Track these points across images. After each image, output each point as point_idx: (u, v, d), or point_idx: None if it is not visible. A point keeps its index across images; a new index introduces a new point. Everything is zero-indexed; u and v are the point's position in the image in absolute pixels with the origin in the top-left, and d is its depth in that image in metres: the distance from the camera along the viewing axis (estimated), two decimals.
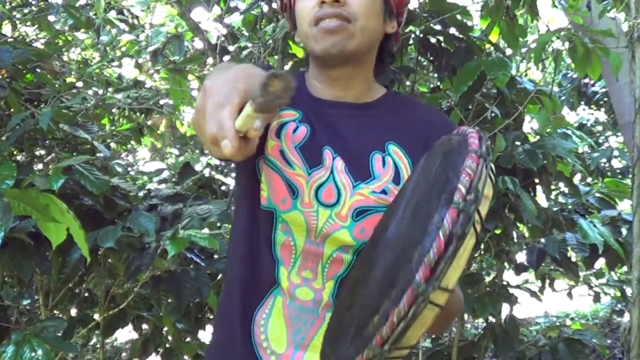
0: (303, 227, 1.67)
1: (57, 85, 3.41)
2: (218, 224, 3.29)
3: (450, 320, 1.76)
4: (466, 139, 1.18)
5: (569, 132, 3.98)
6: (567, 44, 3.40)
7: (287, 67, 3.48)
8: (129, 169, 5.14)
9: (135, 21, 5.01)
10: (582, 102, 8.35)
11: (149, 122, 5.07)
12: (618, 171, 7.59)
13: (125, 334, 5.43)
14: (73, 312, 3.66)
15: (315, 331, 1.68)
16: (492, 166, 1.14)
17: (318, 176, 1.67)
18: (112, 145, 4.43)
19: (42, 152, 3.51)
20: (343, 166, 1.68)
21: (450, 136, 1.33)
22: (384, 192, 1.67)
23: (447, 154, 1.25)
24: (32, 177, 2.45)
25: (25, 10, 4.36)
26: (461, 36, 3.44)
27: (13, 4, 4.39)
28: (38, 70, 3.45)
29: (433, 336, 4.82)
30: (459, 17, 3.44)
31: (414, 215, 1.22)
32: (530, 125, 4.68)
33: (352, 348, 1.18)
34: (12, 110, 3.20)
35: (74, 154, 3.17)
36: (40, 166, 3.58)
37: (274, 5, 3.42)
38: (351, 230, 1.65)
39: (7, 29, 4.27)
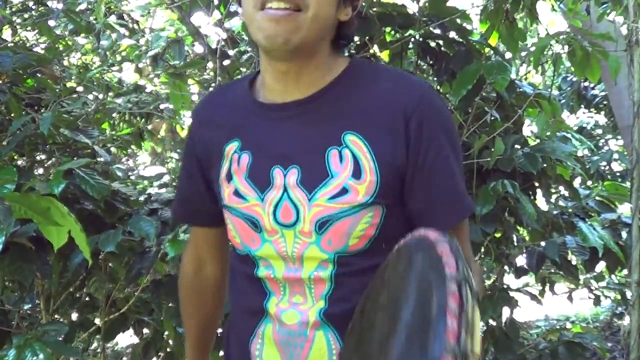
0: (278, 257, 1.62)
1: (57, 90, 3.42)
2: None
3: None
4: (439, 259, 1.09)
5: (569, 135, 3.99)
6: (566, 48, 3.41)
7: None
8: (130, 173, 5.15)
9: (135, 26, 5.02)
10: (582, 106, 8.37)
11: (150, 127, 5.08)
12: (618, 174, 7.60)
13: (126, 339, 5.43)
14: (74, 316, 3.67)
15: (307, 354, 1.62)
16: (473, 290, 1.04)
17: (271, 197, 1.59)
18: (113, 149, 4.44)
19: (43, 156, 3.52)
20: (295, 180, 1.57)
21: (419, 248, 1.24)
22: (344, 190, 1.54)
23: (421, 283, 1.15)
24: (33, 181, 2.46)
25: (26, 15, 4.38)
26: (461, 40, 3.45)
27: (13, 9, 4.40)
28: (38, 75, 3.46)
29: None
30: (458, 21, 3.45)
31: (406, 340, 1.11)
32: (530, 128, 4.69)
33: None
34: (12, 115, 3.20)
35: (75, 158, 3.18)
36: (40, 171, 3.59)
37: None
38: (319, 244, 1.57)
39: (7, 33, 4.28)
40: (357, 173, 1.55)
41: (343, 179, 1.55)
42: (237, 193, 1.64)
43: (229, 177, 1.66)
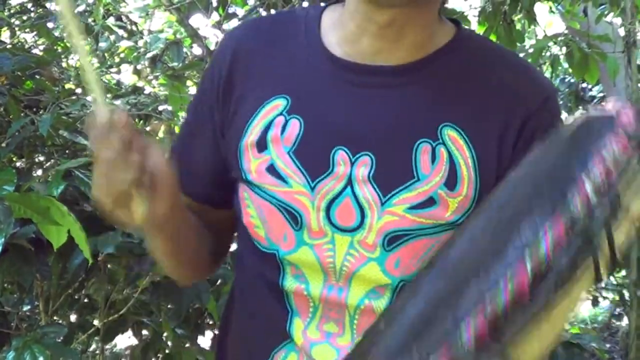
0: (317, 269, 1.22)
1: (56, 92, 3.42)
2: None
3: None
4: (614, 115, 0.76)
5: None
6: (564, 49, 3.42)
7: None
8: None
9: (134, 27, 5.03)
10: (580, 107, 8.37)
11: (148, 128, 5.08)
12: None
13: (124, 340, 5.43)
14: (72, 318, 3.67)
15: None
16: None
17: (326, 189, 1.19)
18: None
19: (42, 158, 3.53)
20: (367, 173, 1.17)
21: (588, 114, 0.87)
22: (431, 200, 1.16)
23: (575, 136, 0.81)
24: (32, 182, 2.47)
25: (24, 17, 4.38)
26: None
27: (12, 11, 4.41)
28: (37, 76, 3.47)
29: None
30: None
31: (497, 230, 0.77)
32: None
33: None
34: (11, 116, 3.21)
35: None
36: (39, 172, 3.59)
37: (272, 12, 3.45)
38: (382, 264, 1.18)
39: (5, 35, 4.28)
40: (451, 181, 1.17)
41: (432, 185, 1.17)
42: (272, 170, 1.22)
43: (262, 146, 1.23)
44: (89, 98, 4.00)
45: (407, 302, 0.90)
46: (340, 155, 1.18)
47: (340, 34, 1.25)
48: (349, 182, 1.18)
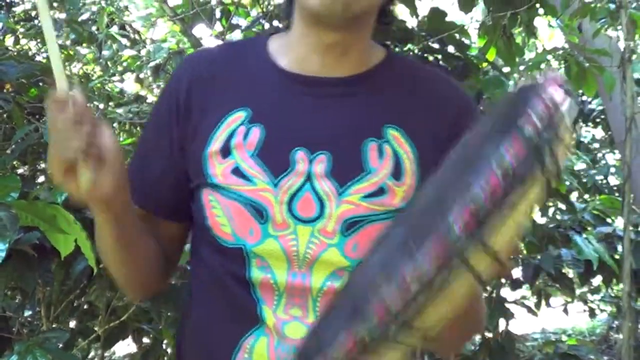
0: (282, 258, 1.33)
1: None
2: None
3: (474, 328, 1.44)
4: (542, 81, 0.87)
5: None
6: (562, 63, 3.46)
7: None
8: None
9: (137, 36, 5.06)
10: (580, 120, 8.40)
11: None
12: (615, 188, 7.63)
13: (124, 347, 5.45)
14: (72, 324, 3.69)
15: None
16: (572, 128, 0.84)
17: (288, 184, 1.33)
18: None
19: (45, 165, 3.55)
20: (324, 168, 1.33)
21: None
22: (381, 190, 1.32)
23: (517, 94, 0.93)
24: (39, 190, 2.50)
25: (28, 25, 4.41)
26: (459, 55, 3.49)
27: (16, 18, 4.43)
28: (41, 84, 3.50)
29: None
30: (457, 35, 3.49)
31: (462, 168, 0.89)
32: None
33: (342, 329, 0.86)
34: (14, 123, 3.24)
35: None
36: (41, 179, 3.62)
37: (275, 23, 3.48)
38: (342, 248, 1.32)
39: (9, 42, 4.31)
40: (397, 173, 1.34)
41: (381, 177, 1.33)
42: (237, 172, 1.35)
43: (226, 152, 1.37)
44: (90, 106, 4.05)
45: (393, 228, 1.06)
46: (300, 155, 1.34)
47: (290, 55, 1.44)
48: (308, 178, 1.33)
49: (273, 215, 1.32)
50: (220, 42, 3.94)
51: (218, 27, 3.88)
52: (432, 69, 1.64)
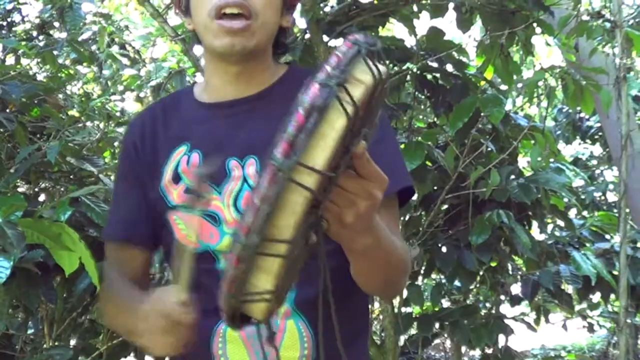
0: None
1: (63, 119, 3.48)
2: None
3: (392, 269, 1.56)
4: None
5: (563, 166, 4.06)
6: (560, 81, 3.49)
7: None
8: None
9: (137, 56, 5.09)
10: (578, 137, 8.42)
11: None
12: (613, 204, 7.64)
13: None
14: (74, 342, 3.70)
15: (279, 344, 1.56)
16: (379, 55, 1.06)
17: (230, 189, 1.60)
18: (113, 178, 4.48)
19: (48, 184, 3.58)
20: (255, 169, 1.59)
21: None
22: None
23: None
24: (44, 208, 2.52)
25: (29, 44, 4.43)
26: (457, 73, 3.53)
27: (17, 38, 4.46)
28: (44, 104, 3.52)
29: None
30: (455, 54, 3.53)
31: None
32: (525, 160, 4.76)
33: (230, 249, 1.06)
34: (17, 142, 3.27)
35: (79, 186, 3.23)
36: (42, 197, 3.64)
37: None
38: None
39: (9, 61, 4.33)
40: None
41: None
42: (188, 190, 1.54)
43: (177, 179, 1.65)
44: (89, 124, 4.07)
45: None
46: (233, 164, 1.61)
47: (208, 90, 1.73)
48: (245, 180, 1.59)
49: (224, 217, 1.60)
50: None
51: None
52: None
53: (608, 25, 3.52)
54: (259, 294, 1.10)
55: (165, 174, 1.67)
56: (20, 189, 3.54)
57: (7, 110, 3.24)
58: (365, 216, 1.21)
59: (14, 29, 4.54)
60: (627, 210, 5.89)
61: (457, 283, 3.92)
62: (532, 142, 3.63)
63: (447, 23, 3.74)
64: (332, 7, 3.44)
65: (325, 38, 3.16)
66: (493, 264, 3.88)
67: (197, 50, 3.93)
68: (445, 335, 4.53)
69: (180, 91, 1.95)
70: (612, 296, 4.23)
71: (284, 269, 1.09)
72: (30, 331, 3.45)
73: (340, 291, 1.48)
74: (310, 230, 1.17)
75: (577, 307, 5.40)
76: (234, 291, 1.09)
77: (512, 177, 3.66)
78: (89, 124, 4.01)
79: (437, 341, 4.56)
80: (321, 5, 3.35)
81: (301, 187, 1.00)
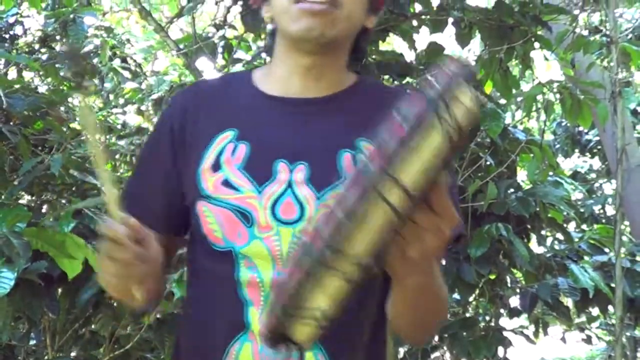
0: (267, 258, 1.46)
1: (65, 132, 3.50)
2: None
3: (433, 313, 1.49)
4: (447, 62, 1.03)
5: (561, 180, 4.08)
6: (558, 95, 3.52)
7: None
8: None
9: (138, 69, 5.11)
10: (577, 150, 8.44)
11: None
12: (612, 218, 7.64)
13: None
14: (75, 353, 3.71)
15: None
16: (476, 94, 0.99)
17: (271, 191, 1.48)
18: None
19: (50, 196, 3.60)
20: (303, 177, 1.48)
21: None
22: None
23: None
24: (48, 217, 2.56)
25: (32, 57, 4.45)
26: None
27: (19, 51, 4.48)
28: (47, 117, 3.55)
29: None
30: None
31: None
32: (525, 173, 4.79)
33: (291, 267, 1.01)
34: (20, 155, 3.29)
35: (82, 198, 3.26)
36: (45, 208, 3.66)
37: None
38: None
39: (12, 74, 4.35)
40: None
41: None
42: (227, 183, 1.50)
43: (216, 167, 1.53)
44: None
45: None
46: (281, 166, 1.50)
47: (271, 80, 1.63)
48: (290, 185, 1.48)
49: (258, 219, 1.47)
50: (221, 74, 4.01)
51: (220, 60, 3.94)
52: (396, 88, 1.93)
53: (605, 39, 3.56)
54: (312, 314, 1.03)
55: (205, 159, 1.55)
56: (21, 201, 3.56)
57: (11, 123, 3.27)
58: (429, 254, 1.15)
59: (16, 41, 4.56)
60: (626, 223, 5.94)
61: (456, 295, 3.94)
62: (531, 155, 3.66)
63: (447, 38, 3.78)
64: None
65: None
66: (492, 277, 3.90)
67: (199, 63, 3.97)
68: (445, 348, 4.54)
69: (232, 74, 1.89)
70: (611, 309, 4.25)
71: (345, 293, 1.03)
72: (32, 342, 3.47)
73: (366, 325, 1.51)
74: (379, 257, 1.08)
75: (576, 320, 5.42)
76: (287, 303, 1.01)
77: (511, 190, 3.69)
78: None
79: (436, 354, 4.57)
80: None
81: (389, 207, 0.94)
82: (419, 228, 1.09)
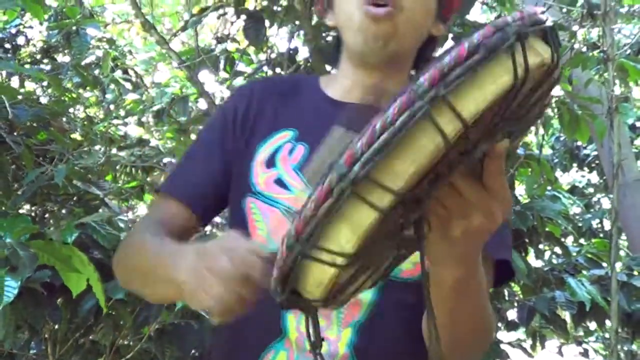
0: None
1: (68, 142, 3.53)
2: None
3: (476, 326, 1.33)
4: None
5: (559, 194, 4.11)
6: (556, 110, 3.55)
7: None
8: (130, 225, 5.22)
9: (139, 80, 5.13)
10: (575, 165, 8.46)
11: (148, 179, 5.15)
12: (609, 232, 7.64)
13: None
14: None
15: None
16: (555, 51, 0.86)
17: None
18: (114, 202, 4.52)
19: (53, 206, 3.62)
20: None
21: None
22: None
23: None
24: (50, 231, 2.58)
25: (34, 68, 4.47)
26: None
27: (21, 62, 4.50)
28: (50, 127, 3.58)
29: None
30: None
31: None
32: (523, 187, 4.82)
33: (320, 180, 0.84)
34: (24, 165, 3.32)
35: (85, 209, 3.29)
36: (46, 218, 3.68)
37: (277, 70, 3.58)
38: None
39: (14, 83, 4.37)
40: None
41: None
42: (279, 181, 1.47)
43: (271, 163, 1.50)
44: (95, 148, 4.12)
45: None
46: None
47: (336, 87, 1.61)
48: None
49: None
50: (223, 88, 4.04)
51: (222, 73, 3.98)
52: None
53: (603, 56, 3.60)
54: (332, 252, 0.86)
55: (258, 154, 1.53)
56: (21, 210, 3.58)
57: (15, 134, 3.29)
58: (474, 236, 1.02)
59: (18, 52, 4.59)
60: (624, 237, 5.96)
61: None
62: (529, 170, 3.69)
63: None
64: (334, 37, 3.50)
65: (327, 67, 3.22)
66: (490, 290, 3.92)
67: (201, 76, 4.01)
68: None
69: (299, 76, 1.89)
70: (608, 323, 4.27)
71: (375, 233, 0.86)
72: (32, 351, 3.49)
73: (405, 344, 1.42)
74: (411, 221, 0.95)
75: (573, 334, 5.44)
76: (303, 234, 0.85)
77: None
78: (91, 147, 4.05)
79: None
80: (323, 35, 3.42)
81: (437, 131, 0.80)
82: (466, 202, 0.97)
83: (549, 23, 0.85)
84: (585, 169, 8.60)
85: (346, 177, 0.79)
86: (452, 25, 3.49)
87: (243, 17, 3.52)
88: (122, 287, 2.01)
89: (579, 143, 8.07)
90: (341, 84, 1.61)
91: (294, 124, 1.55)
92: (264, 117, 1.59)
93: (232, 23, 3.85)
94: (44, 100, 4.35)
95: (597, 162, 7.97)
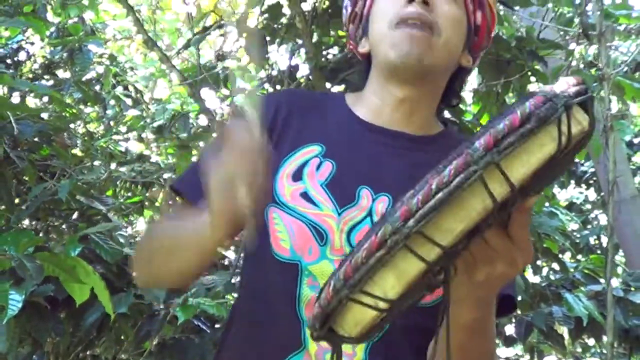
0: None
1: (69, 158, 3.57)
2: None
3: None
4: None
5: (556, 210, 4.14)
6: None
7: None
8: (131, 240, 5.24)
9: (139, 96, 5.16)
10: (572, 181, 8.49)
11: (147, 194, 5.17)
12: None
13: None
14: None
15: None
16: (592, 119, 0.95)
17: (350, 216, 1.43)
18: (114, 217, 4.54)
19: (56, 221, 3.65)
20: (384, 208, 1.43)
21: None
22: None
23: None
24: (55, 243, 2.61)
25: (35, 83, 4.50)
26: (454, 120, 3.61)
27: (23, 77, 4.53)
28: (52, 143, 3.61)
29: None
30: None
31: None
32: None
33: (372, 230, 0.91)
34: (27, 180, 3.35)
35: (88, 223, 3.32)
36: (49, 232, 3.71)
37: (278, 87, 3.61)
38: None
39: (14, 99, 4.40)
40: None
41: None
42: (306, 195, 1.46)
43: (297, 177, 1.49)
44: (96, 163, 4.15)
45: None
46: (365, 192, 1.45)
47: (364, 107, 1.59)
48: (369, 214, 1.43)
49: (332, 240, 1.41)
50: (224, 104, 4.08)
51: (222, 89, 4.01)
52: None
53: (598, 74, 3.64)
54: (376, 297, 0.93)
55: (285, 165, 1.51)
56: (23, 225, 3.61)
57: (18, 149, 3.33)
58: (495, 281, 1.10)
59: (20, 67, 4.62)
60: (622, 253, 5.98)
61: None
62: None
63: None
64: (334, 55, 3.55)
65: (327, 85, 3.25)
66: None
67: (203, 93, 4.04)
68: None
69: (323, 92, 1.88)
70: (605, 339, 4.29)
71: (417, 282, 0.95)
72: None
73: None
74: (449, 263, 1.02)
75: (571, 349, 5.46)
76: (351, 279, 0.91)
77: None
78: (91, 162, 4.08)
79: None
80: (324, 52, 3.46)
81: (487, 193, 0.89)
82: (492, 250, 1.05)
83: (589, 93, 0.93)
84: (583, 185, 8.62)
85: (400, 231, 0.86)
86: None
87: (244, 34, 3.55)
88: (142, 283, 1.97)
89: (577, 160, 8.11)
90: (369, 103, 1.60)
91: (320, 139, 1.54)
92: (290, 129, 1.57)
93: (234, 42, 3.89)
94: (44, 115, 4.38)
95: (594, 178, 7.99)
